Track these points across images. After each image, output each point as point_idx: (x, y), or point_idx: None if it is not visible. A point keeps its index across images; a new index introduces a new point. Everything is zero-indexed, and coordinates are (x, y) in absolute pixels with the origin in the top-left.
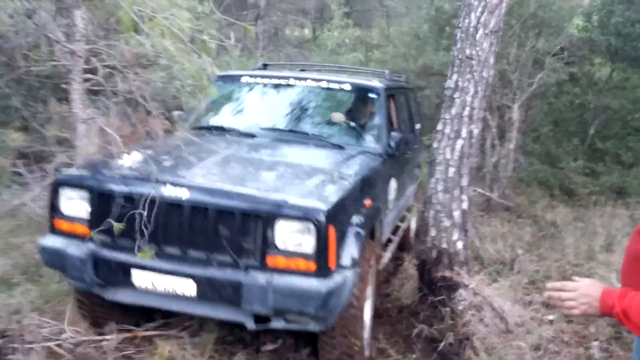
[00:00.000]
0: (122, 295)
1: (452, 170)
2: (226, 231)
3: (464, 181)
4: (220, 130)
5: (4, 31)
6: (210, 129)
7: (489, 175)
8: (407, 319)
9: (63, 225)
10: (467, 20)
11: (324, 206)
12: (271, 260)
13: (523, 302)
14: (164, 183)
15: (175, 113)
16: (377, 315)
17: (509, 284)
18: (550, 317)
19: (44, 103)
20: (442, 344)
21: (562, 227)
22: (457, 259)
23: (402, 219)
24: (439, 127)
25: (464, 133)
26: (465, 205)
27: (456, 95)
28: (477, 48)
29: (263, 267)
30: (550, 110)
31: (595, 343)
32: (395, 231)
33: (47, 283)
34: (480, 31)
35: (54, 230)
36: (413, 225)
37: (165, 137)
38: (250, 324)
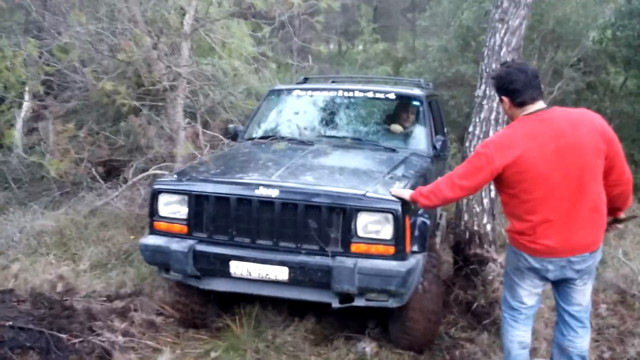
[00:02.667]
0: (216, 284)
1: None
2: (313, 224)
3: None
4: (281, 139)
5: (135, 60)
6: (271, 138)
7: None
8: (445, 289)
9: (162, 225)
10: (492, 40)
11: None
12: (354, 246)
13: None
14: (257, 185)
15: (230, 126)
16: None
17: None
18: None
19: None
20: (474, 305)
21: None
22: (486, 239)
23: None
24: (470, 128)
25: (491, 134)
26: (493, 194)
27: (484, 102)
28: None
29: (347, 252)
30: None
31: (604, 306)
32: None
33: (139, 267)
34: (504, 49)
35: (153, 231)
36: (442, 221)
37: (232, 147)
38: (336, 303)
